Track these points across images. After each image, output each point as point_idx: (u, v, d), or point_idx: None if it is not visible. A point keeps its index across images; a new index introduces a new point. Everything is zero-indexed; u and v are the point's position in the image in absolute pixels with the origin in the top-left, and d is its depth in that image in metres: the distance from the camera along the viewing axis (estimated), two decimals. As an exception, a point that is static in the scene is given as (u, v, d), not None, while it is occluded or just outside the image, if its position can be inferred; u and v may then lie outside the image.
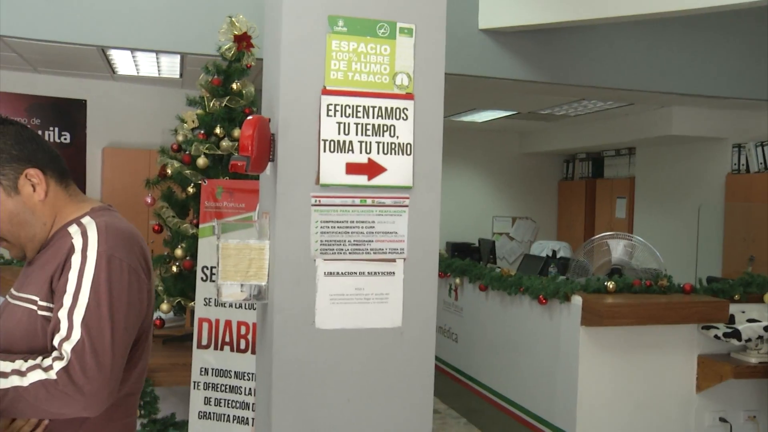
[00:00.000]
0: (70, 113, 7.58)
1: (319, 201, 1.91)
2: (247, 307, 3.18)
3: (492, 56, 5.68)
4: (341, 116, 1.92)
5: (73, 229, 1.64)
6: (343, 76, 1.92)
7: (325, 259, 1.92)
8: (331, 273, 1.93)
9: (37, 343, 1.59)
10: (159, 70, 6.80)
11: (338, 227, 1.93)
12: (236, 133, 3.68)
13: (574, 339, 4.02)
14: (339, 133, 1.92)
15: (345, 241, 1.93)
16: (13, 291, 1.71)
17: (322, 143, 1.90)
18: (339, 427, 1.95)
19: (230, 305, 3.19)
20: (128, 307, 1.59)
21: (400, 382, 2.00)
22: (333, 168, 1.91)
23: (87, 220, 1.65)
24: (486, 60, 5.67)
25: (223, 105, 3.70)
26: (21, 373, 1.50)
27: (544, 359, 4.37)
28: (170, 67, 6.57)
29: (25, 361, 1.53)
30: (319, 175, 1.90)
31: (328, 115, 1.91)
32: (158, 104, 7.62)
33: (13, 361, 1.53)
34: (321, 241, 1.91)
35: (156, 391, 3.39)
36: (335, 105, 1.91)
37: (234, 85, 3.72)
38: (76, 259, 1.57)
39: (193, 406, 3.30)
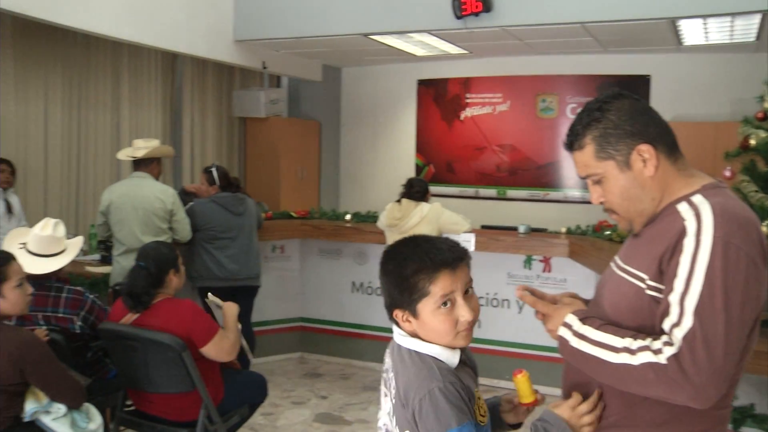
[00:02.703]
0: (635, 89, 7.61)
1: None
2: None
3: None
4: None
5: (684, 208, 1.57)
6: None
7: None
8: None
9: (642, 320, 1.58)
10: (731, 35, 6.36)
11: None
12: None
13: None
14: None
15: None
16: (618, 261, 1.73)
17: None
18: None
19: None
20: (744, 300, 1.48)
21: None
22: None
23: (699, 200, 1.57)
24: None
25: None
26: (631, 352, 1.52)
27: None
28: (745, 30, 6.08)
29: (635, 339, 1.54)
30: None
31: None
32: (726, 72, 7.18)
33: (623, 337, 1.55)
34: None
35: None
36: None
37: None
38: (689, 243, 1.51)
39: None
